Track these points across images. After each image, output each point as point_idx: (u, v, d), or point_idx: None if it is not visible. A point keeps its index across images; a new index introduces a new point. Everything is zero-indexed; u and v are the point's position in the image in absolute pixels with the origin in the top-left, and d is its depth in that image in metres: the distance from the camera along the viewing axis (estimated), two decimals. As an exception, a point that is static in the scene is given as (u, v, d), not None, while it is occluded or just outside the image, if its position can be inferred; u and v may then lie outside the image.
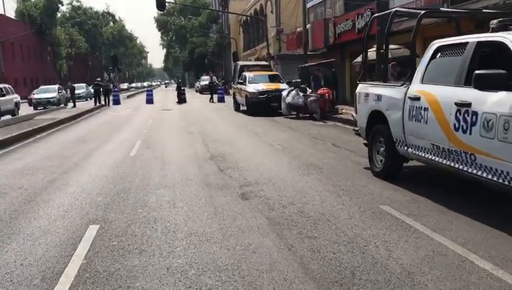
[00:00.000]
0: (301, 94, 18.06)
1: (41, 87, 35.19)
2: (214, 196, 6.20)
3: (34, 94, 32.83)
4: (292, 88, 18.80)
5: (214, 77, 39.73)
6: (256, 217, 5.15)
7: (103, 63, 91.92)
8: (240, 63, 25.87)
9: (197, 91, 55.35)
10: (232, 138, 12.34)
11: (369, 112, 7.42)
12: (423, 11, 6.80)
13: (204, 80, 50.97)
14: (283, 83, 21.40)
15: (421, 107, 5.91)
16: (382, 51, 10.77)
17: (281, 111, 19.68)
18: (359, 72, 19.22)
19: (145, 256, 4.08)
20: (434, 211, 5.26)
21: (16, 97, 24.99)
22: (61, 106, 30.61)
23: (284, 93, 18.86)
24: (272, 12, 38.66)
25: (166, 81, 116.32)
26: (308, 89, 18.73)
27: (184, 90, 34.82)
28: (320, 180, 7.03)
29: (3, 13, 49.84)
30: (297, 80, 19.33)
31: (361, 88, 7.94)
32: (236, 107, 23.73)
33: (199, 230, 4.76)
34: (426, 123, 5.80)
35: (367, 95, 7.58)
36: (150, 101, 31.65)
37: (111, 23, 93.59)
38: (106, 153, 10.31)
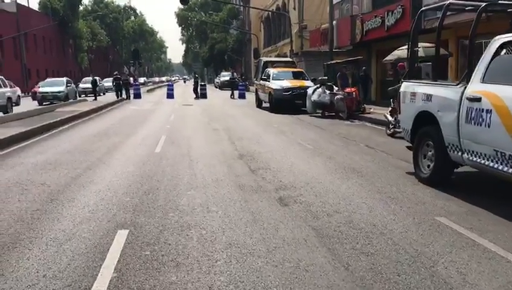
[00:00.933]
0: (328, 92, 17.47)
1: (48, 79, 30.98)
2: (249, 200, 5.71)
3: (38, 87, 29.31)
4: (318, 86, 18.23)
5: (235, 73, 39.26)
6: (300, 227, 4.64)
7: (123, 57, 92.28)
8: (264, 59, 25.35)
9: (216, 87, 55.05)
10: (258, 136, 11.84)
11: (416, 112, 6.83)
12: (484, 4, 6.17)
13: (225, 76, 50.62)
14: (308, 80, 20.83)
15: (483, 109, 5.32)
16: (416, 48, 10.19)
17: (306, 109, 19.16)
18: (392, 70, 18.56)
19: (182, 271, 3.61)
20: (499, 225, 4.69)
21: (9, 91, 21.51)
22: (70, 100, 27.26)
23: (310, 90, 18.31)
24: (295, 9, 37.97)
25: (185, 77, 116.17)
26: (334, 87, 18.13)
27: (205, 85, 34.49)
28: (362, 185, 6.49)
29: (26, 5, 50.13)
30: (323, 78, 18.72)
31: (407, 87, 7.35)
32: (259, 103, 23.25)
33: (239, 240, 4.28)
34: (488, 127, 5.22)
35: (414, 94, 6.99)
36: (170, 95, 31.35)
37: (132, 17, 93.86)
38: (130, 149, 9.91)
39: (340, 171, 7.45)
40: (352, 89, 17.66)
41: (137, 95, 31.42)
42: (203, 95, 31.61)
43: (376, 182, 6.65)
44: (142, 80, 76.45)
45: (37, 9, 54.24)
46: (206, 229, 4.60)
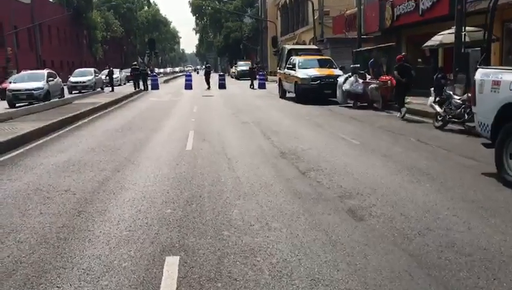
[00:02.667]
0: (360, 81, 16.39)
1: (77, 70, 32.72)
2: (314, 212, 4.76)
3: (69, 77, 30.67)
4: (350, 74, 17.15)
5: (255, 63, 38.20)
6: (393, 253, 3.69)
7: (137, 47, 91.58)
8: (288, 46, 24.23)
9: (232, 77, 53.89)
10: (294, 130, 10.86)
11: (501, 104, 5.79)
12: None
13: (242, 66, 49.54)
14: (336, 68, 19.71)
15: None
16: (464, 32, 9.03)
17: (334, 99, 18.11)
18: (429, 57, 17.37)
19: (265, 325, 2.69)
20: None
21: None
22: (97, 89, 29.38)
23: (341, 79, 17.23)
24: (315, -5, 36.55)
25: (197, 67, 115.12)
26: (367, 75, 17.04)
27: (224, 75, 33.54)
28: (439, 191, 5.49)
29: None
30: (355, 65, 17.60)
31: (485, 74, 6.29)
32: (282, 94, 22.21)
33: (323, 273, 3.34)
34: None
35: (497, 82, 5.94)
36: (188, 86, 30.44)
37: (145, 8, 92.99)
38: (158, 146, 9.02)
39: (405, 172, 6.46)
40: (388, 77, 16.52)
41: (155, 86, 30.58)
42: (222, 86, 30.66)
43: (454, 187, 5.65)
44: (161, 70, 75.63)
45: (51, 0, 53.66)
46: (274, 255, 3.67)
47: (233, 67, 55.96)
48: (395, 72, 14.05)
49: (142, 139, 9.83)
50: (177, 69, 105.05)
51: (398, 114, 13.44)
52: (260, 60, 57.90)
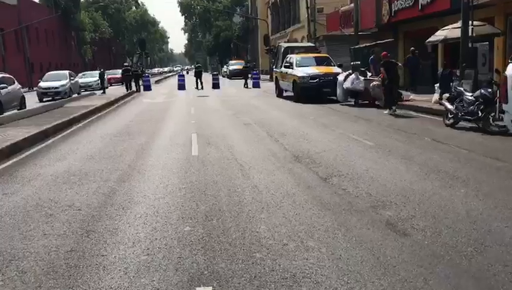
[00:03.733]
0: (362, 78, 15.98)
1: (49, 73, 28.32)
2: (350, 226, 4.30)
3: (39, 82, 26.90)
4: (350, 72, 16.75)
5: (248, 62, 37.66)
6: (457, 276, 3.23)
7: (126, 48, 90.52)
8: (284, 44, 23.74)
9: (224, 76, 53.25)
10: (301, 131, 10.40)
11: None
12: None
13: (233, 65, 48.98)
14: (334, 66, 19.29)
15: None
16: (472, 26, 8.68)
17: (334, 97, 17.71)
18: (430, 53, 16.95)
19: None
20: None
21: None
22: (74, 95, 25.36)
23: (341, 77, 16.82)
24: (306, -8, 36.10)
25: (187, 67, 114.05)
26: (368, 72, 16.65)
27: (217, 75, 33.02)
28: (477, 197, 5.07)
29: (27, -3, 48.42)
30: (356, 62, 17.21)
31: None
32: (279, 93, 21.77)
33: (385, 306, 2.87)
34: None
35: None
36: (182, 86, 29.87)
37: (133, 8, 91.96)
38: (162, 151, 8.50)
39: (433, 176, 6.03)
40: (389, 75, 16.13)
41: (148, 87, 29.93)
42: (216, 85, 30.12)
43: (492, 192, 5.23)
44: (156, 70, 74.33)
45: (37, 2, 52.64)
46: (322, 284, 3.19)
47: (225, 66, 55.34)
48: (382, 69, 13.94)
49: (143, 145, 9.31)
50: (166, 69, 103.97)
51: (387, 111, 13.49)
52: (251, 58, 57.42)
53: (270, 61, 45.00)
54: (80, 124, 13.22)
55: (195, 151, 8.30)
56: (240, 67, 46.34)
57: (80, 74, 34.15)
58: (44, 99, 23.90)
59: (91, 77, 32.50)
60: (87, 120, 14.29)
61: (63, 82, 25.55)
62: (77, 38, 59.22)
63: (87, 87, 30.65)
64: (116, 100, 21.21)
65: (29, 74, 39.94)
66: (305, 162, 7.18)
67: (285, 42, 43.30)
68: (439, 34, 14.72)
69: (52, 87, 24.85)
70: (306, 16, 38.27)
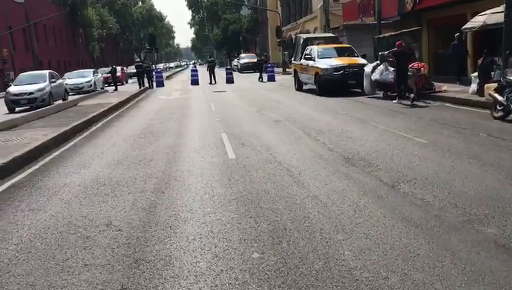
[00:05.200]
0: (391, 69, 15.12)
1: (24, 74, 22.67)
2: (454, 250, 3.55)
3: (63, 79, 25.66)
4: (378, 62, 15.90)
5: (262, 55, 36.83)
6: None
7: (134, 44, 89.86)
8: (303, 36, 22.88)
9: (234, 70, 52.38)
10: (339, 128, 9.62)
11: None
12: None
13: (244, 58, 48.12)
14: (358, 57, 18.45)
15: None
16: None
17: (358, 90, 16.91)
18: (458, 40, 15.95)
19: None
20: None
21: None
22: (55, 103, 19.99)
23: (368, 68, 15.99)
24: (320, -18, 35.10)
25: (193, 61, 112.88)
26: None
27: (231, 69, 32.26)
28: None
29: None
30: (384, 53, 16.32)
31: None
32: (299, 86, 20.95)
33: None
34: None
35: None
36: (195, 82, 29.14)
37: (140, 3, 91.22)
38: (195, 154, 7.77)
39: (517, 180, 5.25)
40: (421, 64, 15.30)
41: (160, 83, 29.25)
42: (230, 80, 29.37)
43: None
44: (161, 65, 73.74)
45: (45, -1, 52.09)
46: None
47: (235, 60, 54.46)
48: (390, 54, 14.08)
49: (171, 147, 8.59)
50: (172, 64, 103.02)
51: (396, 101, 13.60)
52: (260, 51, 56.50)
53: (282, 53, 44.22)
54: (99, 124, 12.54)
55: (231, 154, 7.56)
56: (252, 60, 45.54)
57: (67, 74, 29.10)
58: (16, 109, 18.78)
59: (81, 77, 27.53)
60: (105, 120, 13.60)
61: (41, 85, 19.53)
62: (85, 35, 58.62)
63: (78, 89, 26.13)
64: (130, 98, 20.52)
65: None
66: (359, 165, 6.42)
67: (297, 33, 42.57)
68: (477, 20, 13.80)
69: (25, 93, 18.99)
70: (319, 6, 37.36)
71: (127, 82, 30.23)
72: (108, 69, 31.00)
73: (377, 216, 4.35)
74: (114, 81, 28.33)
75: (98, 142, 9.69)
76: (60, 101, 20.48)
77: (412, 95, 13.29)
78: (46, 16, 42.66)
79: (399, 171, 5.90)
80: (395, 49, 14.08)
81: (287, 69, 40.40)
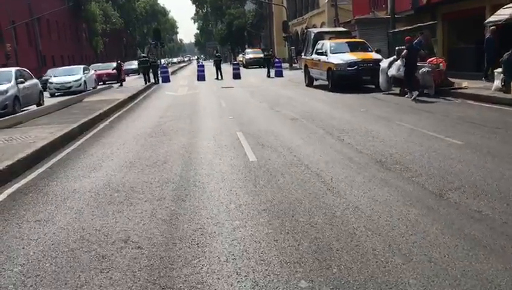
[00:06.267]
0: (408, 65, 14.50)
1: (59, 68, 25.52)
2: (540, 278, 2.99)
3: (45, 77, 25.14)
4: (395, 57, 15.31)
5: (271, 50, 36.21)
6: None
7: (137, 39, 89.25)
8: (314, 30, 22.25)
9: (240, 66, 51.75)
10: (361, 126, 9.05)
11: None
12: None
13: (250, 53, 47.46)
14: (372, 51, 17.85)
15: None
16: None
17: (372, 86, 16.36)
18: (491, 34, 15.36)
19: None
20: None
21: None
22: (88, 90, 23.08)
23: (384, 64, 15.40)
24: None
25: (197, 57, 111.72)
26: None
27: (238, 64, 31.68)
28: None
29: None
30: (401, 47, 15.71)
31: None
32: (309, 81, 20.39)
33: None
34: None
35: None
36: (201, 77, 28.58)
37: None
38: (212, 156, 7.22)
39: None
40: (439, 60, 14.71)
41: (166, 79, 28.68)
42: (237, 75, 28.83)
43: None
44: (164, 60, 72.96)
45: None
46: None
47: (241, 55, 53.80)
48: (405, 52, 13.73)
49: (186, 147, 8.05)
50: (175, 59, 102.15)
51: (408, 95, 13.57)
52: (266, 46, 55.82)
53: (289, 48, 43.57)
54: (106, 122, 12.00)
55: (251, 156, 7.01)
56: (258, 56, 44.88)
57: (51, 71, 26.64)
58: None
59: (69, 75, 23.58)
60: (112, 117, 13.06)
61: (78, 76, 21.62)
62: (88, 30, 58.04)
63: (64, 89, 22.63)
64: (137, 94, 19.96)
65: (41, 68, 38.89)
66: (395, 169, 5.86)
67: (304, 28, 41.86)
68: (502, 13, 13.19)
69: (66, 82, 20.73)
70: (326, 0, 36.68)
71: (124, 80, 28.61)
72: (114, 64, 30.18)
73: (434, 233, 3.80)
74: (119, 76, 27.77)
75: (107, 141, 9.15)
76: (34, 107, 16.43)
77: (415, 93, 13.35)
78: (50, 10, 42.09)
79: (442, 177, 5.34)
80: (408, 45, 13.89)
81: (294, 64, 39.84)
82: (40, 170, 6.91)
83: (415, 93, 13.29)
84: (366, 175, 5.65)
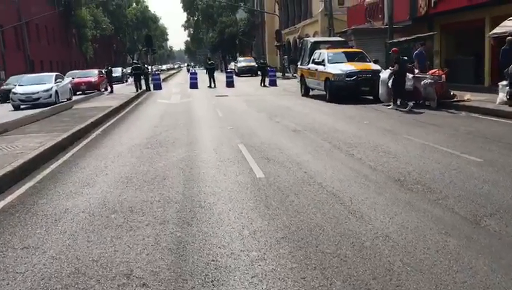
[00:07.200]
0: (410, 76, 14.20)
1: (26, 76, 22.43)
2: None
3: (7, 85, 22.84)
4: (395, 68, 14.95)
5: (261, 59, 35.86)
6: None
7: (127, 45, 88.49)
8: (311, 39, 21.94)
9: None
10: (369, 141, 8.61)
11: None
12: None
13: (242, 62, 47.09)
14: (370, 62, 17.54)
15: None
16: None
17: (370, 97, 16.02)
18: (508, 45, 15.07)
19: None
20: None
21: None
22: (61, 101, 20.16)
23: (384, 75, 15.04)
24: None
25: (187, 64, 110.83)
26: (415, 69, 14.87)
27: (231, 72, 31.26)
28: None
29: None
30: (403, 58, 15.40)
31: None
32: (305, 91, 20.00)
33: None
34: None
35: None
36: (194, 85, 28.08)
37: (134, 4, 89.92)
38: (215, 171, 6.70)
39: None
40: (441, 72, 14.41)
41: (158, 86, 28.13)
42: (230, 84, 28.41)
43: None
44: (164, 67, 71.07)
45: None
46: None
47: (233, 63, 53.45)
48: (396, 65, 13.69)
49: (185, 160, 7.53)
50: (164, 67, 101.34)
51: (390, 106, 13.71)
52: (257, 55, 55.50)
53: (282, 58, 43.29)
54: (98, 131, 11.43)
55: (258, 172, 6.51)
56: (250, 64, 44.57)
57: (12, 78, 23.71)
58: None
59: (37, 84, 20.24)
60: (105, 126, 12.48)
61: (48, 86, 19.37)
62: (78, 35, 57.22)
63: (31, 101, 19.26)
64: (129, 102, 19.39)
65: (29, 73, 38.03)
66: (418, 190, 5.41)
67: (296, 38, 41.64)
68: (506, 25, 12.89)
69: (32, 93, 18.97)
70: (319, 10, 36.48)
71: (106, 89, 26.85)
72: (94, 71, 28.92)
73: (483, 271, 3.33)
74: (110, 82, 27.14)
75: (100, 152, 8.59)
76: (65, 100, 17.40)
77: (404, 103, 13.56)
78: (39, 15, 41.30)
79: (472, 201, 4.90)
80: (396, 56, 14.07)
81: (286, 73, 39.53)
82: (28, 185, 6.34)
83: (410, 104, 13.28)
84: (387, 196, 5.18)
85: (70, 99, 21.62)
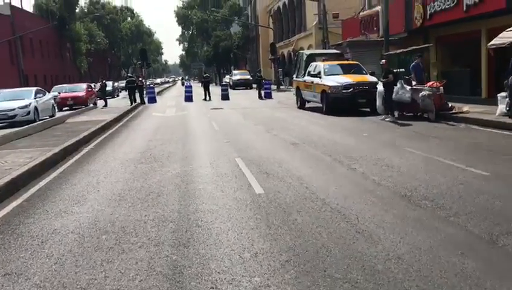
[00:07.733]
0: (408, 88, 14.03)
1: (2, 91, 20.13)
2: None
3: None
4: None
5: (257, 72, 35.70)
6: None
7: (122, 59, 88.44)
8: (307, 52, 21.81)
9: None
10: (370, 154, 8.35)
11: None
12: None
13: (237, 75, 46.99)
14: (367, 74, 17.38)
15: None
16: None
17: (367, 109, 15.84)
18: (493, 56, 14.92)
19: None
20: None
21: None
22: (43, 118, 18.16)
23: (382, 87, 14.85)
24: (313, -1, 34.16)
25: (181, 77, 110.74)
26: (413, 81, 14.71)
27: (226, 85, 31.08)
28: None
29: (20, 7, 46.32)
30: (400, 70, 15.24)
31: None
32: (301, 104, 19.80)
33: None
34: None
35: None
36: (188, 98, 27.84)
37: (129, 18, 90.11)
38: (213, 187, 6.41)
39: None
40: (439, 84, 14.23)
41: (152, 99, 27.87)
42: (225, 96, 28.22)
43: None
44: (158, 80, 70.40)
45: (32, 12, 50.60)
46: None
47: (228, 76, 53.40)
48: (390, 76, 13.85)
49: (181, 176, 7.22)
50: (158, 80, 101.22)
51: (384, 117, 13.91)
52: (252, 68, 55.50)
53: (276, 70, 43.25)
54: (91, 145, 11.10)
55: (257, 188, 6.22)
56: (244, 77, 44.57)
57: None
58: None
59: (14, 100, 18.15)
60: (98, 140, 12.16)
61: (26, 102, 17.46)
62: (72, 49, 57.05)
63: (6, 119, 17.41)
64: (123, 115, 19.09)
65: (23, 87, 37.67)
66: (426, 206, 5.13)
67: (291, 51, 41.66)
68: (505, 36, 12.76)
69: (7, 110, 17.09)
70: (314, 23, 36.52)
71: (95, 104, 25.97)
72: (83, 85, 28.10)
73: (508, 296, 3.05)
74: (104, 96, 26.86)
75: (92, 168, 8.26)
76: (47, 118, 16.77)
77: (395, 115, 13.96)
78: (33, 29, 41.10)
79: (485, 217, 4.63)
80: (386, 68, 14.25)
81: (281, 86, 39.45)
82: (14, 204, 6.01)
83: (391, 116, 13.77)
84: (395, 213, 4.90)
85: (53, 116, 19.59)
